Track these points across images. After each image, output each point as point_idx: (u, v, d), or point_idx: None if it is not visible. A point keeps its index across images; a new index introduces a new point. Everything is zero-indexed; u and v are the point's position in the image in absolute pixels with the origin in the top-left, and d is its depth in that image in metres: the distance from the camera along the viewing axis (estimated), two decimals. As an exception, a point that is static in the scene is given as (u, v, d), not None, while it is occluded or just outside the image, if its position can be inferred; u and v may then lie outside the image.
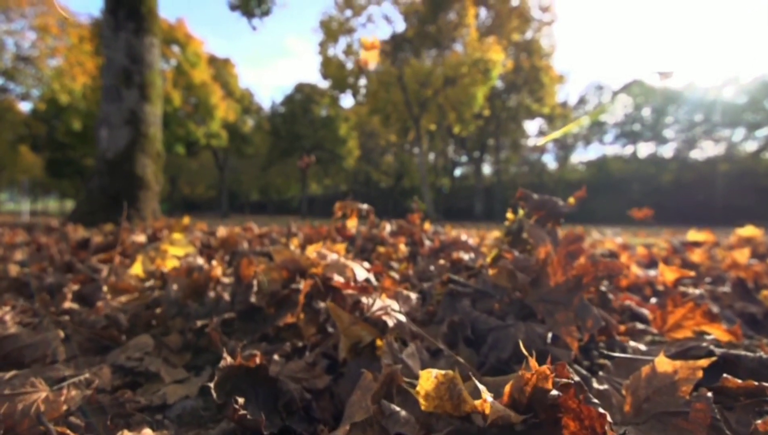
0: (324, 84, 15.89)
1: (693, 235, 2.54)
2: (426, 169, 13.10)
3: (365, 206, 1.49)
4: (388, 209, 34.95)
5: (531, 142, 27.37)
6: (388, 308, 0.75)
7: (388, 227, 2.29)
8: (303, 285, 0.94)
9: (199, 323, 0.88)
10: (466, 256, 1.13)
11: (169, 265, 1.52)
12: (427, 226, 2.49)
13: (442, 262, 1.18)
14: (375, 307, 0.72)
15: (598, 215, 28.01)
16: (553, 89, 16.59)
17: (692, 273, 0.94)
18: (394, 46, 13.13)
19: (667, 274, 0.92)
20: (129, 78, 4.03)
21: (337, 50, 12.78)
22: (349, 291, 0.90)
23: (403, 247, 1.73)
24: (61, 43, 18.18)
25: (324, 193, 41.76)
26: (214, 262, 1.26)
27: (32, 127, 24.10)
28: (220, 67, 23.39)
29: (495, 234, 2.81)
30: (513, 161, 27.34)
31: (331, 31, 12.43)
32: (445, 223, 14.66)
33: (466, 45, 11.31)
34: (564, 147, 32.20)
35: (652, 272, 1.47)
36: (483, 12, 15.27)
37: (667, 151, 29.47)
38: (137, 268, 1.50)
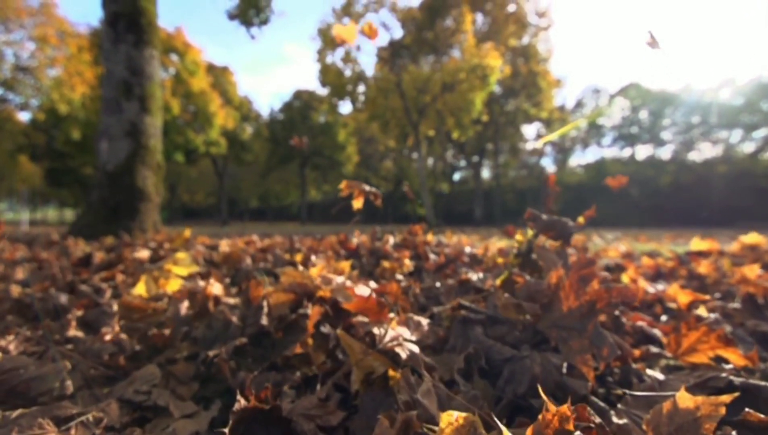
0: (322, 91, 15.96)
1: (697, 243, 2.53)
2: (425, 174, 13.10)
3: (373, 189, 1.48)
4: (388, 214, 34.97)
5: (529, 145, 27.45)
6: (401, 338, 0.73)
7: (391, 240, 2.28)
8: (311, 311, 0.93)
9: (210, 354, 0.87)
10: (474, 277, 1.12)
11: (173, 285, 1.50)
12: (430, 237, 2.48)
13: (449, 281, 1.16)
14: (387, 338, 0.71)
15: (598, 218, 27.97)
16: (551, 93, 16.66)
17: (707, 297, 0.93)
18: (392, 53, 13.19)
19: (681, 297, 0.90)
20: (129, 90, 4.03)
21: (335, 57, 12.86)
22: (360, 318, 0.89)
23: (407, 262, 1.71)
24: (60, 53, 18.24)
25: (323, 199, 41.77)
26: (218, 285, 1.25)
27: (31, 137, 24.13)
28: (219, 75, 23.47)
29: (498, 244, 2.81)
30: (512, 165, 27.41)
31: (330, 38, 12.49)
32: (444, 227, 14.64)
33: (463, 51, 11.36)
34: (562, 150, 32.32)
35: (660, 286, 1.46)
36: (480, 18, 15.37)
37: (665, 153, 29.58)
38: (140, 288, 1.49)
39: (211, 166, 28.55)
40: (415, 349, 0.71)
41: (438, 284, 1.41)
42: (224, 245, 2.33)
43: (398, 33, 13.29)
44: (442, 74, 11.17)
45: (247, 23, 9.04)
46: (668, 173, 28.55)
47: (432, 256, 1.74)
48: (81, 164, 24.59)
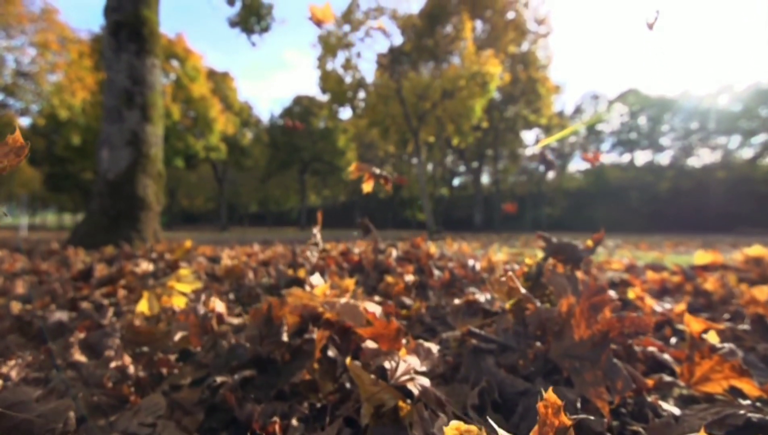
0: (322, 96, 16.03)
1: (700, 256, 2.52)
2: (425, 180, 13.11)
3: (383, 172, 1.47)
4: (387, 219, 34.96)
5: (529, 151, 27.51)
6: (412, 371, 0.72)
7: (394, 253, 2.26)
8: (317, 335, 0.92)
9: (217, 380, 0.86)
10: (481, 298, 1.11)
11: (176, 303, 1.49)
12: (433, 249, 2.47)
13: (456, 301, 1.15)
14: (399, 371, 0.70)
15: (597, 223, 28.06)
16: (550, 100, 16.72)
17: (721, 326, 0.91)
18: (391, 60, 13.25)
19: (693, 325, 0.89)
20: (130, 99, 4.04)
21: (335, 64, 12.91)
22: (369, 344, 0.88)
23: (411, 278, 1.70)
24: (61, 58, 18.29)
25: (323, 204, 41.77)
26: (221, 304, 1.24)
27: (31, 142, 24.05)
28: (219, 80, 23.54)
29: (501, 256, 2.79)
30: (511, 171, 27.45)
31: (330, 45, 12.55)
32: (444, 233, 14.62)
33: (463, 58, 11.41)
34: (561, 156, 32.39)
35: (667, 305, 1.45)
36: (479, 25, 15.45)
37: (664, 159, 29.68)
38: (143, 306, 1.47)
39: (210, 172, 28.55)
40: (427, 382, 0.70)
41: (444, 302, 1.40)
42: (226, 258, 2.31)
43: (398, 40, 13.38)
44: (442, 81, 11.21)
45: (248, 31, 9.08)
46: (667, 179, 28.63)
47: (436, 272, 1.72)
48: (80, 169, 24.59)
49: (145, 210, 4.00)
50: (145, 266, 2.39)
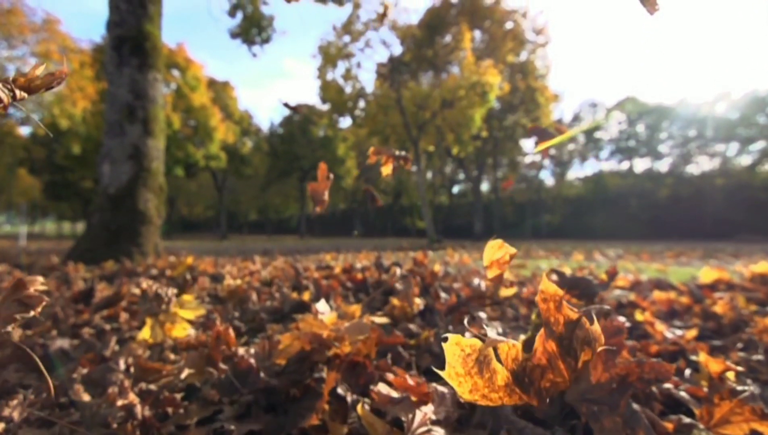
0: (322, 106, 16.11)
1: (706, 273, 2.50)
2: (425, 188, 13.12)
3: (402, 153, 1.45)
4: (387, 227, 34.96)
5: (528, 159, 27.59)
6: (428, 421, 0.70)
7: (398, 272, 2.24)
8: (328, 377, 0.90)
9: (224, 424, 0.83)
10: (491, 332, 1.09)
11: (180, 331, 1.47)
12: (437, 267, 2.45)
13: (466, 335, 1.13)
14: (416, 424, 0.68)
15: (596, 230, 28.06)
16: (549, 108, 16.81)
17: (740, 368, 0.90)
18: (391, 69, 13.33)
19: (712, 365, 0.88)
20: (132, 113, 4.04)
21: (335, 74, 12.97)
22: (381, 388, 0.86)
23: (417, 301, 1.68)
24: (61, 68, 18.37)
25: (322, 212, 41.70)
26: (231, 332, 1.22)
27: (31, 151, 24.19)
28: (220, 90, 23.66)
29: (505, 274, 2.74)
30: (511, 179, 27.49)
31: (330, 56, 12.62)
32: (444, 242, 14.59)
33: (462, 68, 11.49)
34: (560, 163, 32.51)
35: (678, 331, 1.43)
36: (478, 35, 15.58)
37: (663, 166, 29.79)
38: (145, 333, 1.45)
39: (210, 180, 28.58)
40: (443, 433, 0.68)
41: (452, 329, 1.38)
42: (228, 277, 2.29)
43: (398, 50, 13.47)
44: (442, 91, 11.26)
45: (249, 42, 9.14)
46: (666, 186, 28.72)
47: (443, 295, 1.70)
48: (80, 178, 24.62)
49: (146, 224, 3.99)
50: (147, 285, 2.37)
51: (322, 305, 1.42)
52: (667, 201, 27.68)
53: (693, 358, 1.18)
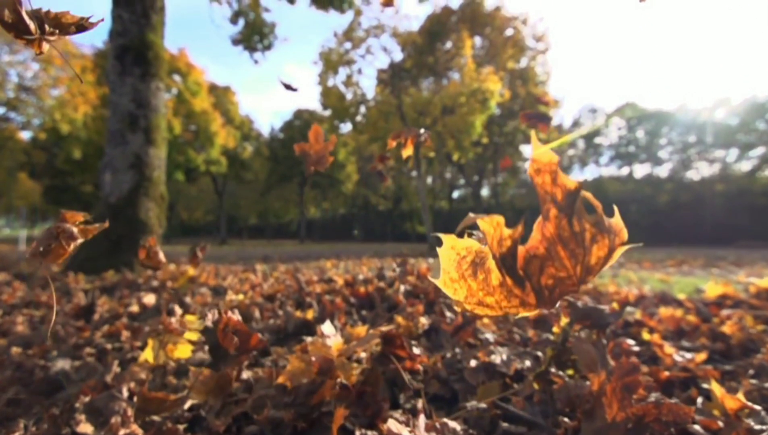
0: (323, 111, 16.17)
1: (712, 288, 2.49)
2: (425, 193, 13.11)
3: (422, 131, 1.42)
4: (387, 232, 34.92)
5: (528, 164, 27.57)
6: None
7: (402, 288, 2.23)
8: (336, 413, 0.88)
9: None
10: (497, 359, 1.07)
11: (183, 352, 1.45)
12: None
13: (473, 362, 1.11)
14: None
15: (597, 236, 28.01)
16: (549, 115, 16.84)
17: (757, 407, 0.88)
18: (392, 75, 13.36)
19: (728, 402, 0.86)
20: (134, 122, 4.03)
21: (336, 81, 13.01)
22: (391, 425, 0.84)
23: (423, 320, 1.66)
24: (64, 73, 18.44)
25: (322, 216, 41.74)
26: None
27: (32, 155, 24.22)
28: (221, 95, 23.73)
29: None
30: (511, 184, 27.54)
31: (331, 62, 12.67)
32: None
33: (463, 75, 11.54)
34: (560, 168, 32.53)
35: (687, 354, 1.41)
36: (478, 41, 15.64)
37: (663, 172, 29.83)
38: (148, 354, 1.43)
39: (210, 184, 28.58)
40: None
41: (459, 352, 1.36)
42: (230, 292, 2.27)
43: (399, 57, 13.53)
44: (443, 97, 11.29)
45: (251, 49, 9.16)
46: (666, 192, 28.74)
47: (448, 315, 1.69)
48: (80, 182, 24.62)
49: (147, 233, 3.97)
50: (148, 299, 2.35)
51: (327, 327, 1.40)
52: (667, 207, 27.70)
53: (705, 386, 1.16)
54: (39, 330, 1.78)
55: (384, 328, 1.27)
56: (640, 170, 30.95)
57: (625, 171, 31.36)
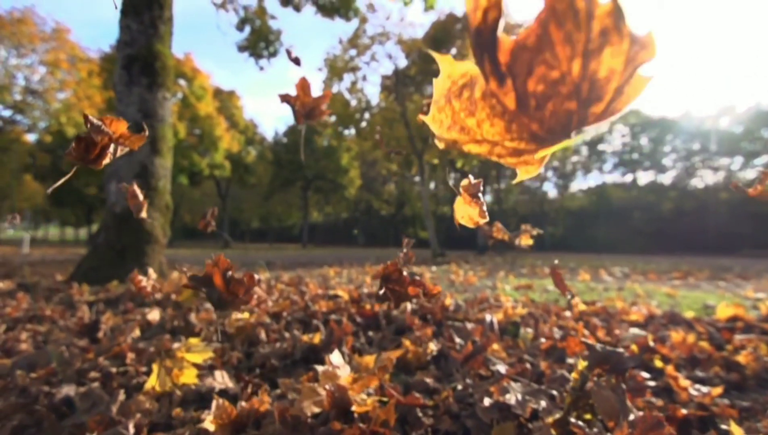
0: (327, 117, 16.19)
1: (723, 309, 2.45)
2: (428, 198, 13.09)
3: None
4: (389, 237, 34.88)
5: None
6: None
7: (409, 306, 2.20)
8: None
9: None
10: (512, 399, 1.05)
11: (188, 377, 1.43)
12: (448, 300, 2.41)
13: (486, 401, 1.09)
14: None
15: (599, 243, 27.87)
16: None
17: None
18: (396, 82, 13.39)
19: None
20: (140, 132, 4.03)
21: (341, 87, 13.03)
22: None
23: (432, 346, 1.64)
24: (70, 77, 18.58)
25: (325, 221, 41.76)
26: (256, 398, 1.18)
27: (37, 158, 24.36)
28: (226, 99, 23.85)
29: (509, 287, 2.72)
30: (514, 191, 27.48)
31: (336, 69, 12.71)
32: (447, 254, 14.52)
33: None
34: (564, 175, 32.49)
35: (703, 388, 1.38)
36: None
37: (667, 179, 29.72)
38: (153, 381, 1.41)
39: (214, 188, 28.66)
40: None
41: (470, 384, 1.33)
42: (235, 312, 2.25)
43: (403, 63, 13.56)
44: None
45: (257, 56, 9.20)
46: (670, 199, 28.62)
47: (458, 341, 1.66)
48: (84, 185, 24.73)
49: (152, 243, 3.96)
50: (152, 316, 2.33)
51: (336, 357, 1.38)
52: (670, 214, 27.58)
53: (723, 426, 1.13)
54: (44, 350, 1.76)
55: (393, 355, 1.25)
56: (644, 178, 30.84)
57: (628, 178, 31.26)
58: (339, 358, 1.40)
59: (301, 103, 1.18)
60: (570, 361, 1.64)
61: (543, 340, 1.65)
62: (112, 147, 0.64)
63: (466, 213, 0.74)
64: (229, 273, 0.73)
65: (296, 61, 1.38)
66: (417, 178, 22.87)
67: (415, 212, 33.98)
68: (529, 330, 1.86)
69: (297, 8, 8.26)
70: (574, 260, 13.52)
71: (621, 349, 0.94)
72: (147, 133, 0.67)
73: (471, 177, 0.70)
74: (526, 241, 1.74)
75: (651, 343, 1.84)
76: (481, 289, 4.80)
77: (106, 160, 0.65)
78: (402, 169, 19.63)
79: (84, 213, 31.43)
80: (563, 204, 32.10)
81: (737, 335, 2.02)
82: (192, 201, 31.94)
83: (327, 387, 1.04)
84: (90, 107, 18.40)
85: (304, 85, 1.12)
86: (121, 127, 0.64)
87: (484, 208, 0.68)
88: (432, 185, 28.11)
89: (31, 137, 22.65)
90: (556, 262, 1.15)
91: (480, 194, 0.69)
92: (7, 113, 19.37)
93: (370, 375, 1.10)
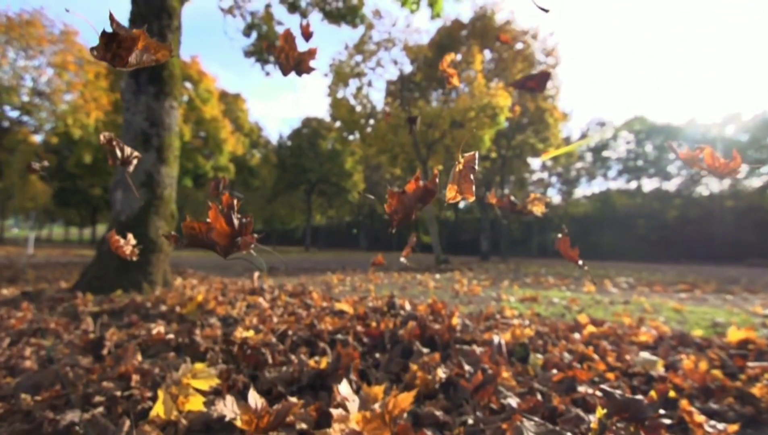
0: (331, 121, 16.26)
1: (734, 333, 2.42)
2: (432, 204, 13.06)
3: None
4: (392, 241, 34.82)
5: (536, 176, 27.50)
6: None
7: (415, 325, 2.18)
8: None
9: None
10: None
11: (194, 404, 1.41)
12: (455, 320, 2.38)
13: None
14: None
15: (604, 249, 27.76)
16: (558, 129, 16.80)
17: None
18: (401, 88, 13.41)
19: None
20: (147, 141, 4.04)
21: (346, 93, 13.07)
22: None
23: (440, 374, 1.61)
24: (77, 79, 18.72)
25: (327, 224, 41.79)
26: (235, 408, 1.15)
27: (43, 158, 24.52)
28: (231, 102, 23.96)
29: (514, 299, 2.69)
30: (518, 197, 27.34)
31: (342, 74, 12.74)
32: (451, 260, 14.47)
33: (473, 90, 11.56)
34: (567, 181, 32.40)
35: (719, 425, 1.35)
36: (487, 54, 15.67)
37: (671, 186, 29.56)
38: (159, 409, 1.39)
39: (218, 190, 28.66)
40: None
41: (481, 419, 1.31)
42: (240, 328, 2.24)
43: (408, 69, 13.59)
44: (452, 112, 11.30)
45: (263, 61, 9.23)
46: (675, 207, 28.46)
47: (467, 368, 1.63)
48: (89, 186, 24.87)
49: (156, 252, 3.96)
50: (157, 331, 2.32)
51: (344, 388, 1.36)
52: (675, 222, 27.39)
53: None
54: (48, 369, 1.75)
55: (404, 401, 1.22)
56: (649, 185, 30.69)
57: (633, 185, 31.11)
58: (347, 389, 1.38)
59: (286, 56, 1.13)
60: (581, 389, 1.61)
61: (555, 371, 1.62)
62: (136, 53, 0.64)
63: (461, 187, 0.80)
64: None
65: (307, 37, 1.33)
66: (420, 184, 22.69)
67: (419, 216, 33.83)
68: (539, 356, 1.83)
69: (304, 15, 8.29)
70: (577, 268, 13.43)
71: (640, 397, 0.91)
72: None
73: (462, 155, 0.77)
74: (538, 208, 1.69)
75: (662, 372, 1.81)
76: (486, 301, 4.77)
77: (132, 60, 0.66)
78: (405, 174, 19.65)
79: (89, 213, 31.61)
80: (567, 210, 31.99)
81: (750, 362, 1.98)
82: (196, 203, 32.04)
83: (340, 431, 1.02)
84: (97, 109, 18.53)
85: (288, 37, 1.08)
86: (146, 38, 0.66)
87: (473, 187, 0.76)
88: (435, 190, 28.07)
89: (37, 138, 22.81)
90: (565, 229, 1.11)
91: (474, 168, 0.76)
92: (14, 114, 19.53)
93: (382, 422, 1.07)
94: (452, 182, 0.73)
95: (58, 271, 7.08)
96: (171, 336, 2.28)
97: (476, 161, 0.74)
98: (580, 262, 0.94)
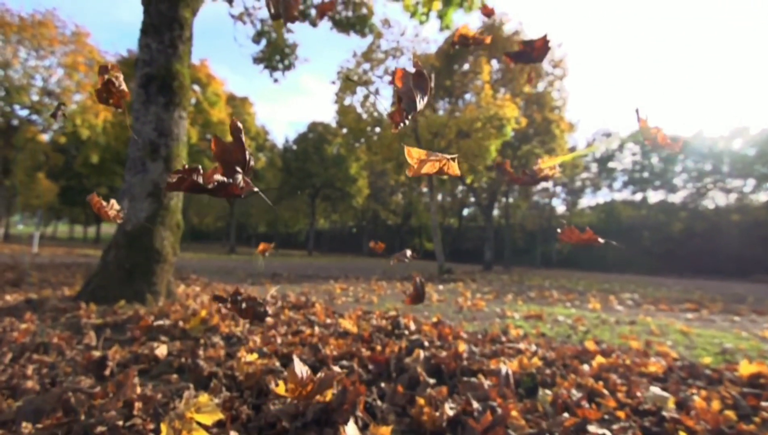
0: (337, 126, 16.30)
1: (745, 366, 2.37)
2: (436, 210, 13.03)
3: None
4: (395, 247, 34.80)
5: (540, 186, 27.40)
6: None
7: (422, 354, 2.15)
8: None
9: None
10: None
11: (196, 440, 1.38)
12: (462, 347, 2.35)
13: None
14: None
15: (608, 261, 27.52)
16: (564, 140, 16.75)
17: None
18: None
19: None
20: (155, 151, 4.05)
21: (354, 100, 13.11)
22: None
23: (448, 410, 1.58)
24: (87, 79, 18.89)
25: (331, 228, 41.83)
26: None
27: (50, 157, 24.74)
28: (239, 105, 24.09)
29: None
30: (522, 207, 27.33)
31: (349, 82, 12.77)
32: (454, 270, 14.41)
33: (480, 100, 11.55)
34: (572, 192, 32.27)
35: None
36: (494, 64, 15.69)
37: (677, 199, 29.38)
38: (161, 443, 1.37)
39: (222, 192, 28.75)
40: None
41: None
42: (243, 351, 2.21)
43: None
44: (459, 122, 11.29)
45: (272, 68, 9.27)
46: (680, 220, 28.26)
47: (475, 405, 1.60)
48: (96, 185, 25.02)
49: (161, 263, 3.95)
50: (160, 351, 2.30)
51: (351, 429, 1.33)
52: (681, 235, 27.19)
53: None
54: (50, 392, 1.73)
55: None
56: (654, 197, 30.52)
57: (638, 197, 30.95)
58: (355, 431, 1.36)
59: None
60: (591, 428, 1.58)
61: (566, 414, 1.59)
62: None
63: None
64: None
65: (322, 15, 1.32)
66: (425, 190, 22.87)
67: (422, 223, 33.89)
68: (548, 392, 1.80)
69: (313, 24, 8.33)
70: (582, 280, 13.34)
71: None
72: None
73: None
74: (552, 171, 1.64)
75: (674, 413, 1.76)
76: (490, 317, 4.72)
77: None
78: (410, 181, 19.64)
79: (93, 212, 31.74)
80: (571, 220, 31.83)
81: (763, 402, 1.93)
82: (200, 203, 32.18)
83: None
84: (105, 110, 18.66)
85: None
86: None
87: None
88: (439, 196, 28.05)
89: (45, 137, 23.00)
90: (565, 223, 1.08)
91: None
92: (23, 113, 19.71)
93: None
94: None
95: (62, 274, 7.09)
96: (174, 357, 2.26)
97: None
98: (600, 240, 0.90)
